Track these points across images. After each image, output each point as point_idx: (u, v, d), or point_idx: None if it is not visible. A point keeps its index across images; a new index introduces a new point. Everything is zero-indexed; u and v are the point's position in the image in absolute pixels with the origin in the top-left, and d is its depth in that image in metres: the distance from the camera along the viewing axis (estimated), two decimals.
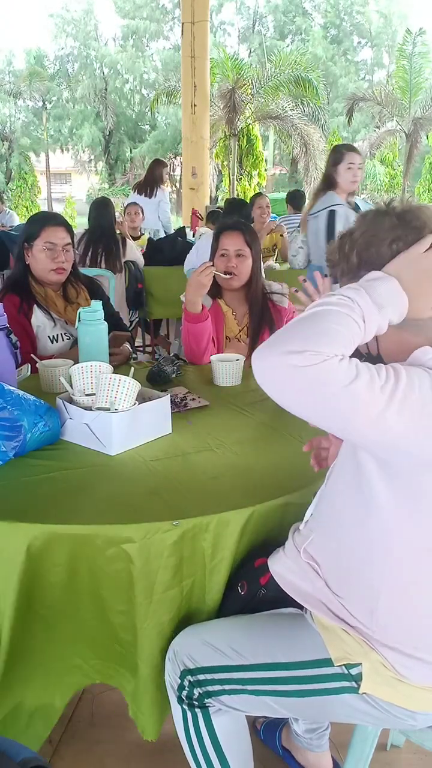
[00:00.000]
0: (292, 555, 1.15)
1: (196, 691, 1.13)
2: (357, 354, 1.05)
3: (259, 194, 5.62)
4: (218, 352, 2.26)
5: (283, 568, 1.16)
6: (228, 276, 2.22)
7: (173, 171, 24.87)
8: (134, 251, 4.39)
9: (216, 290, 2.30)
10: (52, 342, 2.19)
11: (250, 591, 1.21)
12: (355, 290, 0.94)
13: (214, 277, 2.16)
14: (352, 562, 1.06)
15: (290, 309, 2.36)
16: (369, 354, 1.05)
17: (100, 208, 4.15)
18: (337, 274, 1.07)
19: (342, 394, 0.85)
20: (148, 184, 5.88)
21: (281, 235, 5.23)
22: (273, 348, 0.88)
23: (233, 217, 4.19)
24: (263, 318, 2.29)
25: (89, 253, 4.01)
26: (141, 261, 4.49)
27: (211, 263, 2.17)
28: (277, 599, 1.17)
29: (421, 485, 0.94)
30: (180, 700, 1.15)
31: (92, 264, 4.00)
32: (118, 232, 4.28)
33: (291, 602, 1.14)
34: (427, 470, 0.93)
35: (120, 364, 2.11)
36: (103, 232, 4.08)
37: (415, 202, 1.03)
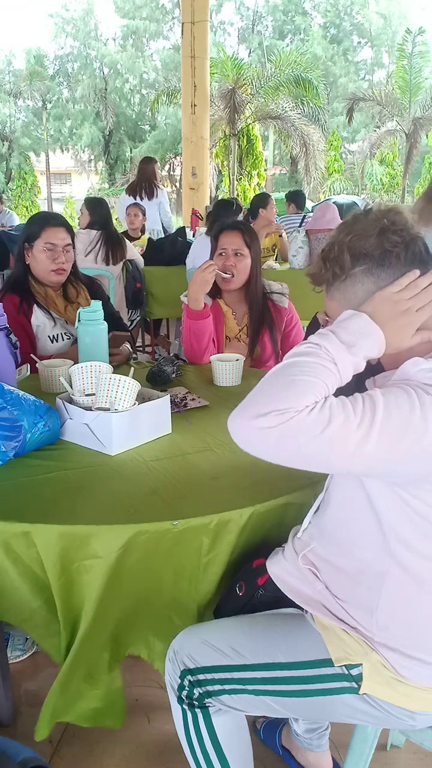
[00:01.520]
0: (292, 559, 1.15)
1: (196, 691, 1.13)
2: None
3: (268, 195, 5.58)
4: (218, 352, 2.26)
5: (281, 570, 1.16)
6: (226, 276, 2.22)
7: (173, 171, 24.87)
8: (133, 251, 4.40)
9: (216, 290, 2.30)
10: (52, 342, 2.19)
11: (249, 592, 1.21)
12: (323, 335, 0.96)
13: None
14: (352, 569, 1.06)
15: (290, 309, 2.36)
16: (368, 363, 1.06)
17: (105, 207, 4.18)
18: (327, 284, 1.07)
19: (314, 442, 0.86)
20: (142, 185, 5.85)
21: (279, 236, 5.21)
22: (242, 413, 0.91)
23: (232, 218, 4.20)
24: (263, 318, 2.29)
25: (100, 251, 4.05)
26: (140, 261, 4.50)
27: (213, 261, 2.18)
28: (275, 600, 1.17)
29: (421, 495, 0.95)
30: (180, 700, 1.15)
31: (105, 262, 4.04)
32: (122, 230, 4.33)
33: (289, 602, 1.14)
34: (423, 483, 0.94)
35: (120, 364, 2.12)
36: (110, 231, 4.12)
37: (392, 205, 1.06)
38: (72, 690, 1.22)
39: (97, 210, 4.14)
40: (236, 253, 2.23)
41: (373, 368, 1.04)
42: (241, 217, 4.40)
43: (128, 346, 2.28)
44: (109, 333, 1.91)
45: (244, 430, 0.90)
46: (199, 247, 4.29)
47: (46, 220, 2.18)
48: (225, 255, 2.24)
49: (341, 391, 0.96)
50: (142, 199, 5.80)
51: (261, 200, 5.34)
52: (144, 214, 5.55)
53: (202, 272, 2.11)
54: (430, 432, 0.88)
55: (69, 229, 2.20)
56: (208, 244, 4.18)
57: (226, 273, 2.22)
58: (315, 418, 0.86)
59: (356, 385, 1.07)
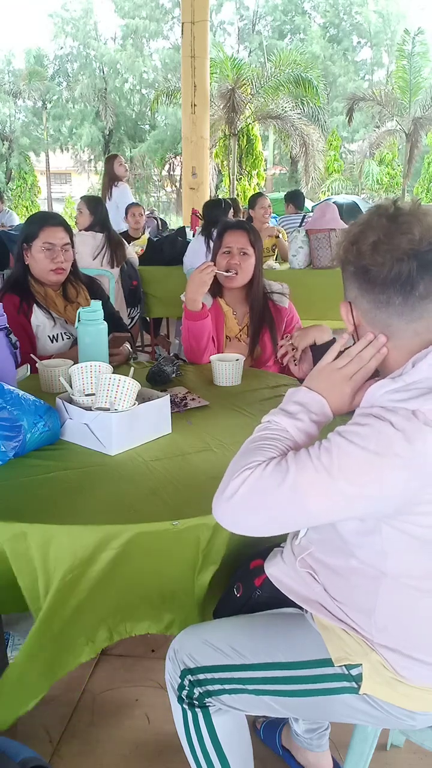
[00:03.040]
0: (290, 562, 1.15)
1: (197, 691, 1.13)
2: None
3: (260, 194, 5.62)
4: (218, 352, 2.26)
5: (280, 572, 1.16)
6: (229, 274, 2.22)
7: (173, 171, 24.88)
8: (129, 250, 4.41)
9: (217, 289, 2.30)
10: (52, 341, 2.19)
11: (246, 593, 1.21)
12: (273, 413, 1.06)
13: (215, 276, 2.16)
14: (349, 573, 1.06)
15: (291, 309, 2.36)
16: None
17: (103, 207, 4.17)
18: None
19: (280, 493, 0.90)
20: (105, 186, 5.74)
21: (277, 237, 5.23)
22: (215, 498, 0.97)
23: (224, 217, 4.22)
24: (263, 318, 2.30)
25: (106, 254, 4.05)
26: (135, 259, 4.51)
27: (213, 262, 2.16)
28: (273, 601, 1.17)
29: (411, 519, 0.95)
30: (180, 700, 1.15)
31: (110, 264, 4.04)
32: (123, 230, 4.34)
33: (287, 603, 1.14)
34: (411, 506, 0.93)
35: (120, 365, 2.11)
36: (110, 231, 4.12)
37: (424, 206, 1.00)
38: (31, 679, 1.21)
39: (98, 210, 4.14)
40: (241, 252, 2.23)
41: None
42: (233, 215, 4.42)
43: (128, 346, 2.28)
44: (109, 334, 1.91)
45: (219, 509, 0.96)
46: (196, 247, 4.29)
47: (44, 220, 2.18)
48: (230, 253, 2.23)
49: None
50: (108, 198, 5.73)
51: (250, 202, 5.44)
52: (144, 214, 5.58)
53: (199, 273, 2.10)
54: (387, 466, 0.88)
55: (67, 229, 2.20)
56: (203, 244, 4.20)
57: (228, 271, 2.21)
58: (272, 469, 0.92)
59: None
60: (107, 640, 1.28)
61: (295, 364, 1.76)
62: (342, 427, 0.94)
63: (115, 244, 4.10)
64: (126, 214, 5.50)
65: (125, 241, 4.37)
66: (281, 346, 1.79)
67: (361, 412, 0.96)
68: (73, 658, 1.24)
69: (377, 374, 1.06)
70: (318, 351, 1.73)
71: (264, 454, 0.96)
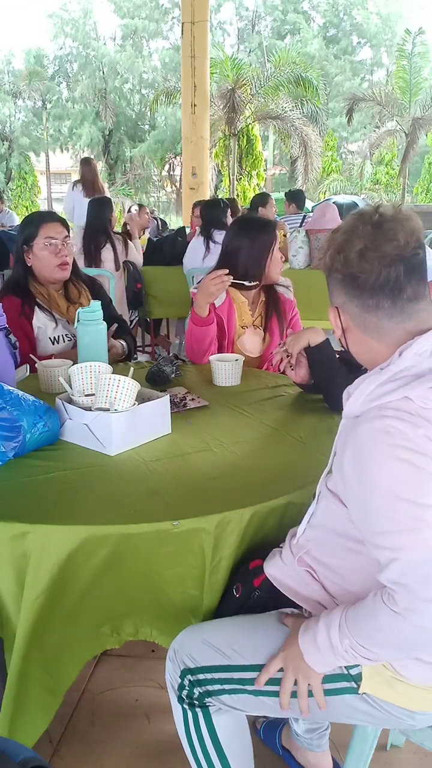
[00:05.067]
0: (289, 561, 1.15)
1: (197, 691, 1.13)
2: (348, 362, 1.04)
3: (267, 194, 5.70)
4: (230, 345, 2.23)
5: (279, 572, 1.16)
6: (252, 285, 2.19)
7: (173, 171, 24.88)
8: (134, 252, 4.40)
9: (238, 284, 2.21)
10: (53, 343, 2.18)
11: (245, 593, 1.21)
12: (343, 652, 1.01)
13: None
14: (348, 572, 1.06)
15: (293, 303, 2.37)
16: (344, 349, 1.09)
17: (94, 208, 4.19)
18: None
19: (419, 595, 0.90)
20: (87, 184, 5.76)
21: (284, 235, 5.24)
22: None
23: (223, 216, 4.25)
24: (275, 306, 2.32)
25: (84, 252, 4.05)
26: (140, 262, 4.50)
27: (227, 271, 2.07)
28: (271, 601, 1.17)
29: None
30: (180, 700, 1.15)
31: (88, 263, 4.03)
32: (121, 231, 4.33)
33: (285, 603, 1.14)
34: None
35: (115, 359, 2.10)
36: (93, 231, 4.12)
37: (405, 210, 1.01)
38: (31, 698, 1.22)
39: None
40: None
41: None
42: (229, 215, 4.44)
43: (123, 343, 2.26)
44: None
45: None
46: (195, 247, 4.29)
47: (41, 218, 2.19)
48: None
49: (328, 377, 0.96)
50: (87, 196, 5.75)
51: (260, 199, 5.50)
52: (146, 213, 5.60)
53: (210, 281, 2.05)
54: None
55: (64, 224, 2.21)
56: (203, 244, 4.20)
57: (251, 282, 2.18)
58: (387, 606, 0.93)
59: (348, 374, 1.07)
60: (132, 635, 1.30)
61: (292, 369, 1.77)
62: (368, 485, 0.94)
63: (94, 242, 4.10)
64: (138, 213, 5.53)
65: (131, 243, 4.37)
66: (275, 353, 1.79)
67: (350, 442, 0.96)
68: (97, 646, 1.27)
69: (365, 370, 1.06)
70: (313, 353, 1.73)
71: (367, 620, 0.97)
